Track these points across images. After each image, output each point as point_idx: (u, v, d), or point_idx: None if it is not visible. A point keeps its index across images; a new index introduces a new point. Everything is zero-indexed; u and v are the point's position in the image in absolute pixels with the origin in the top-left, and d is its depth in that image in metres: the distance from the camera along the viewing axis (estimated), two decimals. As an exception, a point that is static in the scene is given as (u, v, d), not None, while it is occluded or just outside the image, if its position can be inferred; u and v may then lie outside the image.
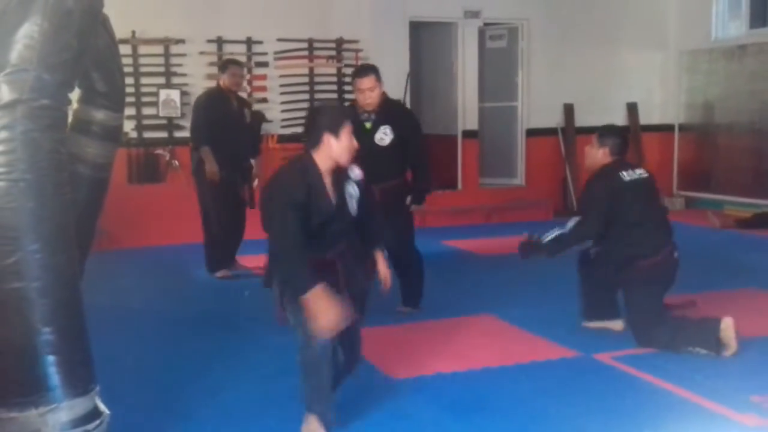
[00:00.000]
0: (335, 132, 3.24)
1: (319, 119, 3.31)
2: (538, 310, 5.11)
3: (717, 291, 5.65)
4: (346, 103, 8.29)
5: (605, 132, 4.66)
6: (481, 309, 5.15)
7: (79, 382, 2.52)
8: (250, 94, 8.09)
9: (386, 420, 3.42)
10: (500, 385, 3.82)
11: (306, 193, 3.18)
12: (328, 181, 3.29)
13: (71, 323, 2.54)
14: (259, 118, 8.03)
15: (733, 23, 9.41)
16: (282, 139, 8.19)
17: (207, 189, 6.16)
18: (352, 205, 3.38)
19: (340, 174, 3.35)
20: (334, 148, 3.24)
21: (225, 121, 6.20)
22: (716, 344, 4.14)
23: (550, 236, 4.52)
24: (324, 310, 3.02)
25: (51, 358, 2.46)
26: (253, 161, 6.56)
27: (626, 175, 4.42)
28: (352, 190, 3.40)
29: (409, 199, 4.98)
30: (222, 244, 6.30)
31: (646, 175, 4.52)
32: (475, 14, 9.12)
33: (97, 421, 2.58)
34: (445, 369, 4.03)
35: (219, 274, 6.28)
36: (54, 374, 2.47)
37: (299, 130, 8.27)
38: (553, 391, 3.73)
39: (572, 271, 6.64)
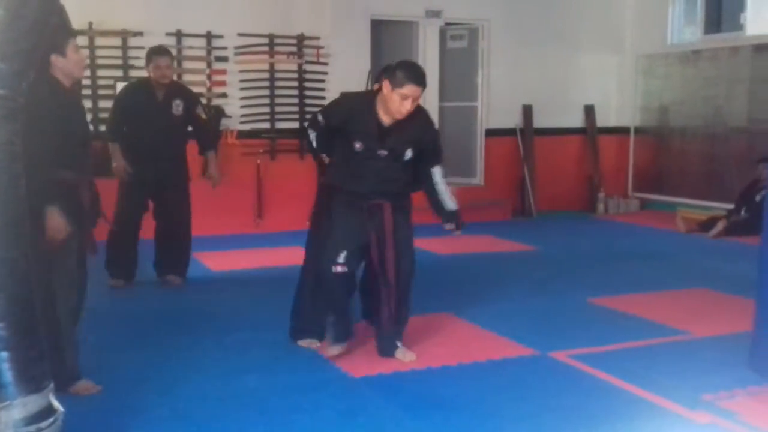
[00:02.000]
0: (60, 51, 3.49)
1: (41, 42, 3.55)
2: (496, 309, 5.16)
3: (670, 290, 5.77)
4: (306, 100, 8.30)
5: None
6: (439, 308, 5.17)
7: (32, 379, 2.47)
8: (209, 89, 8.02)
9: (344, 417, 3.41)
10: (458, 382, 3.84)
11: (56, 104, 3.43)
12: (71, 96, 3.62)
13: (25, 319, 2.49)
14: (219, 112, 7.99)
15: (688, 28, 9.60)
16: (241, 134, 8.14)
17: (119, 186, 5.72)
18: (86, 122, 3.83)
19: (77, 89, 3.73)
20: (63, 66, 3.52)
21: (142, 115, 5.67)
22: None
23: (451, 201, 4.29)
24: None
25: (4, 354, 2.41)
26: (211, 155, 6.04)
27: None
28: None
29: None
30: (117, 247, 5.74)
31: None
32: (436, 14, 9.15)
33: (51, 419, 2.53)
34: (404, 367, 4.04)
35: (111, 282, 5.77)
36: (7, 371, 2.41)
37: (259, 126, 8.27)
38: (510, 388, 3.77)
39: (531, 270, 6.72)
